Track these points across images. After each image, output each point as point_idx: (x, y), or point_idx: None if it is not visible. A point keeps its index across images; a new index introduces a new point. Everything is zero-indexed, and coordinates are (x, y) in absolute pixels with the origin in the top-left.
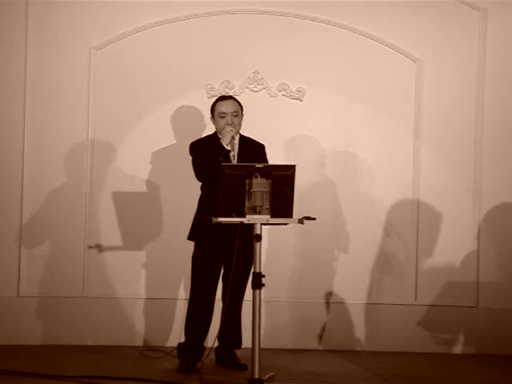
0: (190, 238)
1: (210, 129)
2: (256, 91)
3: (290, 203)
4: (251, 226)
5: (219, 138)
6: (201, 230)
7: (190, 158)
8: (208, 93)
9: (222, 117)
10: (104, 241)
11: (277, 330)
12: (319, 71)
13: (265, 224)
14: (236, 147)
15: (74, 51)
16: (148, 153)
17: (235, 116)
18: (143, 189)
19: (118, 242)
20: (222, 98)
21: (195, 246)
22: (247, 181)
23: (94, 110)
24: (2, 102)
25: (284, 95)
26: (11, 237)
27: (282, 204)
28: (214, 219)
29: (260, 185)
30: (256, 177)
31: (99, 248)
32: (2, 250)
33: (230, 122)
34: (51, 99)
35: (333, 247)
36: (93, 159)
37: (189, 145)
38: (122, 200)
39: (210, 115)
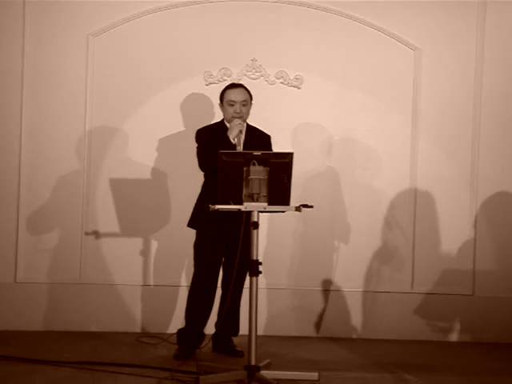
0: (189, 225)
1: (207, 118)
2: (254, 79)
3: (288, 191)
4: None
5: (226, 127)
6: (202, 218)
7: (196, 144)
8: (206, 80)
9: (231, 105)
10: (101, 227)
11: (274, 317)
12: (317, 59)
13: (262, 211)
14: (242, 138)
15: (71, 38)
16: (145, 139)
17: (244, 105)
18: (140, 175)
19: (116, 228)
20: (232, 86)
21: (197, 234)
22: (245, 168)
23: (91, 96)
24: (0, 90)
25: (282, 83)
26: (8, 223)
27: (279, 192)
28: (212, 206)
29: (257, 172)
30: (253, 164)
31: (96, 234)
32: (0, 236)
33: (238, 111)
34: (49, 86)
35: (331, 235)
36: (90, 146)
37: (195, 131)
38: (119, 186)
39: (218, 102)
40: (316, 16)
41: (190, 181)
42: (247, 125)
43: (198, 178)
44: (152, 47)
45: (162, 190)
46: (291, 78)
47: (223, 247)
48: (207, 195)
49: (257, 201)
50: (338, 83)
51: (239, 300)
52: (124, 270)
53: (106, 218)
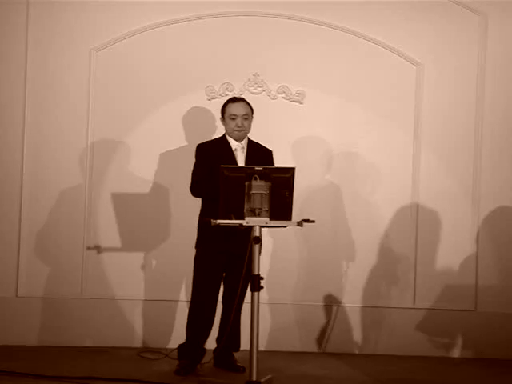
0: (197, 246)
1: (209, 133)
2: (256, 93)
3: (289, 206)
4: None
5: (228, 142)
6: (203, 234)
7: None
8: (208, 95)
9: (233, 119)
10: (103, 242)
11: (276, 332)
12: (319, 74)
13: (264, 226)
14: (244, 151)
15: (74, 52)
16: (146, 153)
17: (246, 119)
18: (142, 189)
19: (117, 243)
20: (234, 100)
21: (197, 249)
22: (246, 183)
23: (94, 111)
24: (2, 103)
25: (284, 97)
26: (10, 236)
27: (281, 206)
28: (213, 221)
29: (259, 187)
30: (255, 179)
31: (98, 249)
32: (1, 250)
33: (240, 125)
34: (51, 100)
35: (332, 250)
36: (92, 160)
37: (196, 146)
38: (120, 201)
39: (220, 116)
40: (318, 31)
41: (191, 196)
42: (248, 140)
43: None
44: (154, 62)
45: (163, 205)
46: (293, 92)
47: (223, 262)
48: (206, 212)
49: (258, 216)
50: (339, 98)
51: (239, 315)
52: (125, 284)
53: (108, 232)
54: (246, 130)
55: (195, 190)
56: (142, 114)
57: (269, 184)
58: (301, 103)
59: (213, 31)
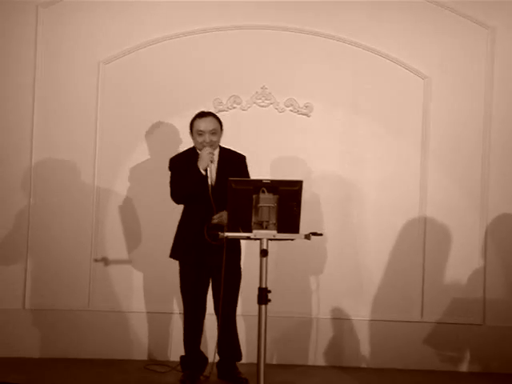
0: (172, 256)
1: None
2: (263, 106)
3: (297, 219)
4: (236, 241)
5: (197, 154)
6: (182, 247)
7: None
8: (216, 107)
9: (200, 134)
10: (110, 254)
11: (282, 345)
12: (327, 87)
13: (271, 239)
14: (214, 166)
15: (82, 65)
16: (154, 166)
17: (213, 133)
18: (147, 202)
19: (124, 255)
20: (201, 115)
21: (180, 264)
22: (254, 196)
23: (101, 123)
24: (10, 115)
25: (292, 110)
26: (17, 249)
27: (288, 219)
28: (221, 234)
29: (267, 200)
30: (263, 192)
31: (105, 261)
32: (8, 262)
33: (207, 141)
34: (59, 113)
35: (339, 263)
36: (100, 172)
37: (168, 160)
38: (128, 213)
39: (188, 130)
40: (325, 45)
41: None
42: (220, 148)
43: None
44: (162, 75)
45: (167, 217)
46: (301, 105)
47: (207, 274)
48: (186, 223)
49: (266, 228)
50: (347, 111)
51: (234, 324)
52: (132, 296)
53: (115, 244)
54: (215, 144)
55: (176, 193)
56: (149, 127)
57: (276, 197)
58: (308, 116)
59: (220, 44)
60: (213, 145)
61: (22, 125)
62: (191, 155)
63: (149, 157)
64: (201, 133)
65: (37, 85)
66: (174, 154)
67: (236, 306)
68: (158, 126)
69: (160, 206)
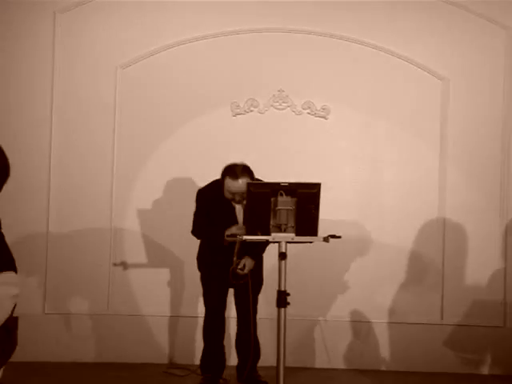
0: (199, 268)
1: (234, 149)
2: (281, 109)
3: (315, 221)
4: (256, 244)
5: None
6: (206, 259)
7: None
8: (233, 111)
9: (231, 192)
10: (129, 258)
11: (301, 348)
12: (344, 89)
13: (290, 242)
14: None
15: (100, 69)
16: (172, 170)
17: (243, 194)
18: (167, 206)
19: (143, 259)
20: (234, 176)
21: (201, 271)
22: (272, 199)
23: (119, 127)
24: (29, 123)
25: (309, 113)
26: (37, 255)
27: (306, 222)
28: (239, 237)
29: (285, 203)
30: (281, 195)
31: (124, 265)
32: (28, 267)
33: (237, 200)
34: (77, 118)
35: (358, 266)
36: (118, 176)
37: (196, 191)
38: (146, 217)
39: (220, 176)
40: (343, 47)
41: None
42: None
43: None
44: (179, 78)
45: (187, 220)
46: (318, 108)
47: (226, 276)
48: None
49: (284, 231)
50: (365, 113)
51: (255, 326)
52: (152, 300)
53: (134, 248)
54: (243, 200)
55: (197, 235)
56: (167, 131)
57: (294, 200)
58: (326, 118)
59: (238, 48)
60: (241, 202)
61: (41, 130)
62: (218, 192)
63: (167, 161)
64: (231, 193)
65: (55, 90)
66: (195, 159)
67: (256, 306)
68: (176, 129)
69: (179, 208)
